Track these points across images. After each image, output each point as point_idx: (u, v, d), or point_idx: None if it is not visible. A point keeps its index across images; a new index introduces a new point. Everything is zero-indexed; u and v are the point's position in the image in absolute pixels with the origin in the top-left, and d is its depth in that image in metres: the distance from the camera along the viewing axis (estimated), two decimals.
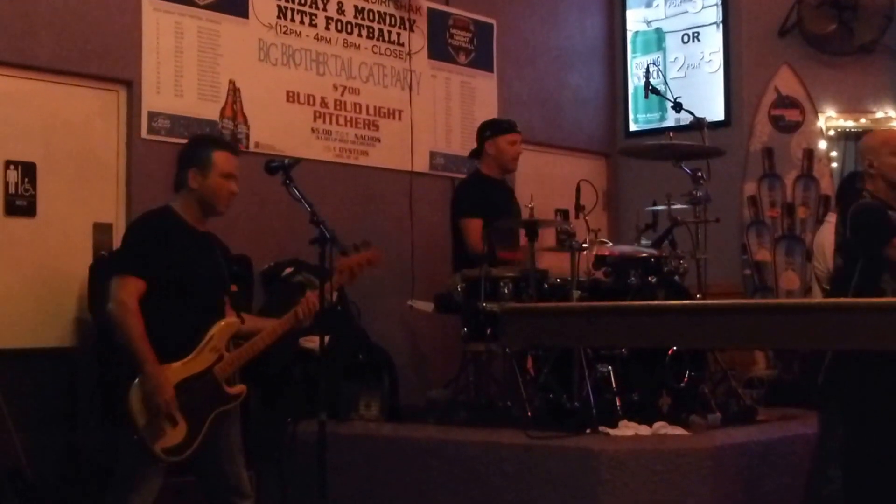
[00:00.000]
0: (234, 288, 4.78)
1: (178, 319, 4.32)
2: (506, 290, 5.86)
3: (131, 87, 6.27)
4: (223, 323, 4.45)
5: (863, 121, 8.74)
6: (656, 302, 5.47)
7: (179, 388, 4.28)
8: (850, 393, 4.61)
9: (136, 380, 4.22)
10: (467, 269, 6.06)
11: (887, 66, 8.70)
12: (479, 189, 6.68)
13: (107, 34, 6.17)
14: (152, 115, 6.31)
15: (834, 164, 8.67)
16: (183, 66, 6.47)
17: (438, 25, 7.85)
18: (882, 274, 4.64)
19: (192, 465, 4.51)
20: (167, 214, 4.49)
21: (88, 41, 6.10)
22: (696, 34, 8.89)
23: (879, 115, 8.74)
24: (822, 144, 8.62)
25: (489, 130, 6.81)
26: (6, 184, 5.78)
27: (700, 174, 6.15)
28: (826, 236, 6.88)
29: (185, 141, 6.23)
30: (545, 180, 8.24)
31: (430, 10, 7.80)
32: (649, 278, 5.83)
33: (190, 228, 4.48)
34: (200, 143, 4.66)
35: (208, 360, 4.39)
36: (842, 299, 5.78)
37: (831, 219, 6.95)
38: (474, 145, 6.94)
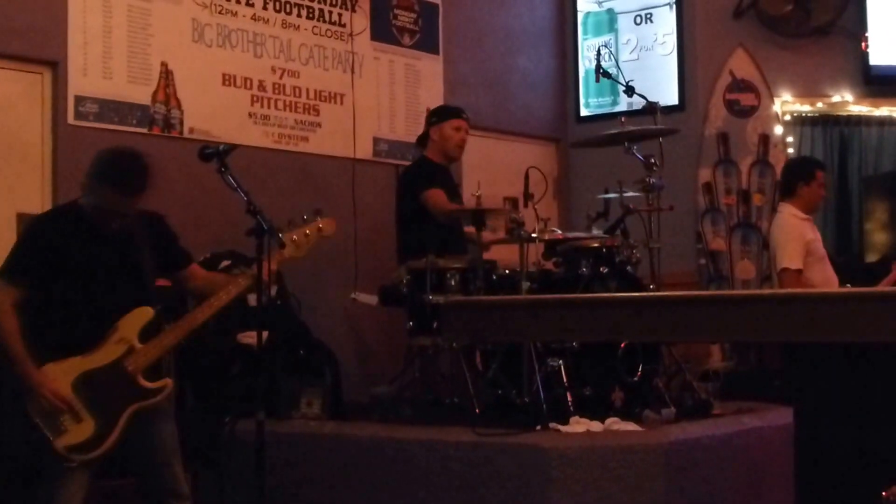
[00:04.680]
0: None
1: (75, 316, 4.22)
2: (452, 282, 5.77)
3: (56, 68, 6.08)
4: (131, 314, 4.31)
5: (819, 105, 8.76)
6: (606, 294, 5.39)
7: (80, 383, 4.18)
8: (802, 385, 4.50)
9: None
10: (413, 261, 5.96)
11: (844, 48, 8.68)
12: (429, 169, 6.61)
13: (29, 11, 5.96)
14: (79, 99, 6.13)
15: (790, 150, 8.64)
16: (112, 46, 6.27)
17: (382, 5, 7.72)
18: None
19: (128, 466, 4.43)
20: (69, 212, 4.39)
21: (10, 18, 5.89)
22: (648, 15, 8.80)
23: (836, 98, 8.74)
24: (778, 129, 8.59)
25: (435, 116, 6.77)
26: None
27: (653, 160, 6.08)
28: (780, 226, 6.76)
29: (113, 127, 6.21)
30: (493, 167, 8.14)
31: None
32: (601, 269, 5.76)
33: (96, 225, 4.33)
34: (101, 166, 4.34)
35: (114, 353, 4.26)
36: (797, 290, 5.77)
37: (783, 209, 6.84)
38: (419, 131, 6.85)
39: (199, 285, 4.63)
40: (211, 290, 4.56)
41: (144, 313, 4.33)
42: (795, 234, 6.60)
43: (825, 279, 6.58)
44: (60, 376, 4.15)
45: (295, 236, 4.63)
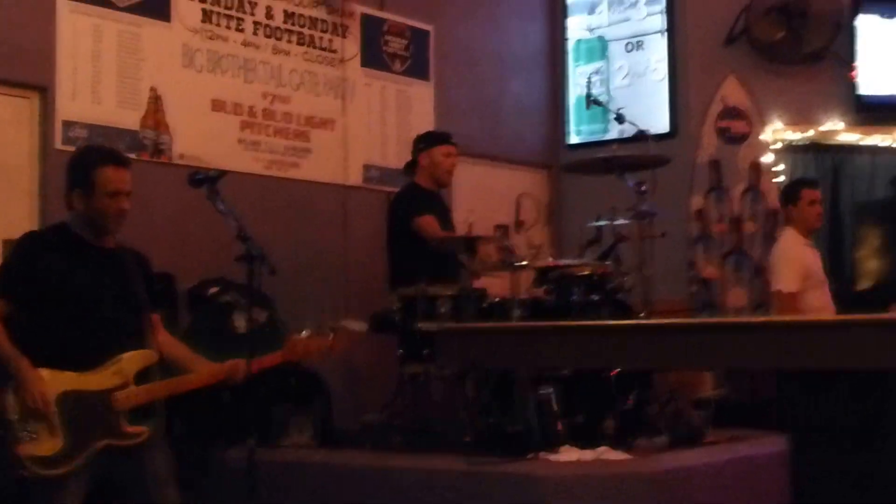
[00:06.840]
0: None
1: (67, 334, 4.16)
2: (443, 310, 5.75)
3: (45, 93, 6.05)
4: (138, 353, 4.25)
5: (810, 132, 8.68)
6: (599, 322, 5.39)
7: (65, 398, 4.09)
8: (795, 411, 4.48)
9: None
10: (404, 288, 5.94)
11: (836, 74, 8.64)
12: (420, 195, 6.57)
13: (18, 36, 5.93)
14: (68, 124, 6.09)
15: (781, 178, 8.57)
16: (101, 71, 6.24)
17: (373, 31, 7.71)
18: None
19: (121, 493, 4.30)
20: (58, 231, 4.36)
21: None
22: (639, 42, 8.79)
23: (828, 126, 8.66)
24: (769, 157, 8.54)
25: (423, 143, 6.72)
26: None
27: (643, 187, 6.06)
28: (778, 249, 6.74)
29: None
30: (484, 194, 8.11)
31: (363, 16, 7.65)
32: (592, 296, 5.74)
33: (86, 245, 4.29)
34: (80, 161, 4.35)
35: (109, 382, 4.17)
36: (788, 317, 5.75)
37: (783, 233, 6.83)
38: (410, 157, 6.78)
39: (159, 344, 4.47)
40: (171, 357, 4.45)
41: (149, 356, 4.28)
42: (792, 257, 6.57)
43: (823, 305, 6.54)
44: (51, 384, 4.08)
45: (305, 341, 4.71)
